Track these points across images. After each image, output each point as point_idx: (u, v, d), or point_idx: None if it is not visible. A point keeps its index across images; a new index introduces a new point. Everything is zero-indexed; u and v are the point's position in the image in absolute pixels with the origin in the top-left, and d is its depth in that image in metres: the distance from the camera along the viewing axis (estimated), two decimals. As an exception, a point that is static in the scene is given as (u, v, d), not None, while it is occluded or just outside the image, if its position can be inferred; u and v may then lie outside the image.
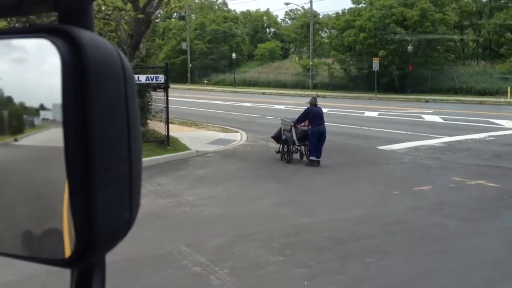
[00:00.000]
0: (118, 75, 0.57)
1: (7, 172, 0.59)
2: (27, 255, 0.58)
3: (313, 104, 12.67)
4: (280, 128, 13.25)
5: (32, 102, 0.57)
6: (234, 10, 73.02)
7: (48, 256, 0.58)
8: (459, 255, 6.68)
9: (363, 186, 10.49)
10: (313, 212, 8.57)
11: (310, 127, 12.42)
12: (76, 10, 0.60)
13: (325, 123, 12.56)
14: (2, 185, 0.59)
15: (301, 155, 12.89)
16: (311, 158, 12.43)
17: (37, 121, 0.57)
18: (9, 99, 0.56)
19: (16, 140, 0.58)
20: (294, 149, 12.84)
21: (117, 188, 0.57)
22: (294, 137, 12.60)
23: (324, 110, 25.73)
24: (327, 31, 62.96)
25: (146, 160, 12.72)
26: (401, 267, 6.26)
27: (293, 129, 12.60)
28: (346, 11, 49.28)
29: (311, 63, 48.95)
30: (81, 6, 0.61)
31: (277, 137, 13.25)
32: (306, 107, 12.86)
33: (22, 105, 0.57)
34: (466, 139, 16.67)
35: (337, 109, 25.41)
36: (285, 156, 12.86)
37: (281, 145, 13.04)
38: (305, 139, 12.56)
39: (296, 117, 13.01)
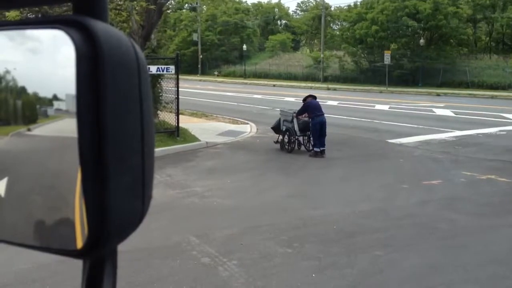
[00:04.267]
0: (132, 66, 0.57)
1: (20, 162, 0.59)
2: (39, 245, 0.59)
3: (312, 97, 13.19)
4: (279, 119, 13.54)
5: (45, 93, 0.57)
6: (246, 1, 72.74)
7: (60, 247, 0.58)
8: (469, 250, 6.65)
9: (373, 180, 10.46)
10: (322, 205, 8.57)
11: (311, 119, 12.71)
12: (90, 0, 0.60)
13: (324, 115, 12.92)
14: (16, 175, 0.59)
15: (299, 145, 13.30)
16: (315, 149, 12.66)
17: (50, 111, 0.57)
18: (23, 89, 0.57)
19: (29, 130, 0.58)
20: (294, 139, 13.13)
21: (129, 179, 0.57)
22: (296, 128, 12.95)
23: (334, 102, 26.06)
24: (339, 23, 62.65)
25: (156, 151, 12.47)
26: (409, 261, 6.25)
27: (294, 120, 12.94)
28: (358, 3, 48.96)
29: (322, 55, 48.72)
30: None
31: (277, 128, 13.60)
32: (304, 101, 13.25)
33: (35, 95, 0.57)
34: (478, 134, 16.56)
35: (347, 102, 25.33)
36: (286, 146, 13.17)
37: (281, 135, 13.36)
38: (306, 130, 12.98)
39: (296, 108, 13.47)
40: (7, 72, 0.57)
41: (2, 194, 0.59)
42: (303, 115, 12.95)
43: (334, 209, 8.35)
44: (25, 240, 0.59)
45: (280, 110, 14.15)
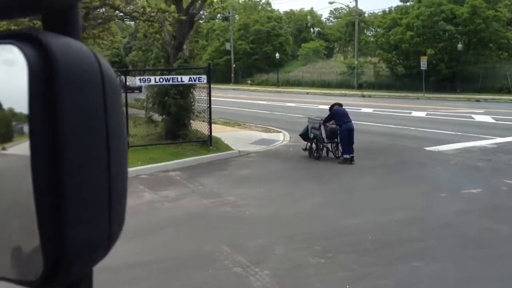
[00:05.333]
0: (95, 82, 0.53)
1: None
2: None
3: (338, 104, 13.22)
4: (307, 126, 13.57)
5: (22, 108, 0.52)
6: (278, 10, 72.98)
7: (16, 277, 0.53)
8: (510, 261, 6.36)
9: (409, 188, 10.19)
10: (357, 214, 8.37)
11: (339, 126, 12.73)
12: (60, 13, 0.57)
13: (352, 121, 12.95)
14: None
15: (327, 152, 13.28)
16: (345, 156, 12.58)
17: (26, 128, 0.52)
18: None
19: (4, 148, 0.53)
20: (322, 146, 13.12)
21: (92, 206, 0.53)
22: (324, 135, 12.96)
23: (369, 110, 25.70)
24: (373, 29, 62.07)
25: (188, 160, 12.84)
26: (449, 273, 6.01)
27: (322, 127, 12.95)
28: (393, 9, 48.37)
29: (356, 62, 48.30)
30: (64, 8, 0.57)
31: (305, 135, 13.64)
32: (331, 108, 13.30)
33: (11, 111, 0.52)
34: (519, 140, 15.99)
35: (382, 109, 24.95)
36: (314, 153, 13.22)
37: (309, 143, 13.40)
38: (333, 137, 12.98)
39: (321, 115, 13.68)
40: None
41: None
42: (330, 122, 12.96)
43: (369, 218, 8.15)
44: None
45: (308, 118, 14.20)
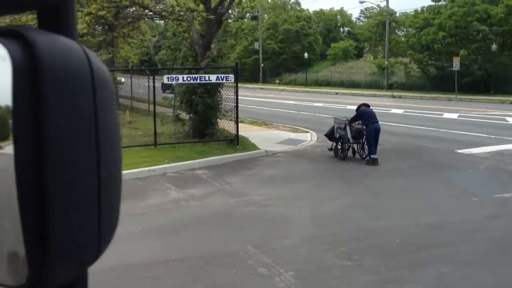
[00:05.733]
0: (84, 81, 0.52)
1: None
2: None
3: (365, 105, 13.14)
4: (333, 126, 13.51)
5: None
6: (307, 9, 72.67)
7: (6, 281, 0.52)
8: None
9: (439, 191, 9.97)
10: (384, 216, 8.22)
11: (365, 126, 12.64)
12: (55, 9, 0.55)
13: (379, 122, 12.89)
14: None
15: (354, 152, 13.18)
16: (372, 156, 12.48)
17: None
18: None
19: (0, 148, 0.51)
20: (348, 146, 13.03)
21: (79, 207, 0.51)
22: (349, 135, 12.86)
23: (400, 111, 25.35)
24: (404, 29, 61.22)
25: (215, 159, 12.85)
26: (479, 279, 5.84)
27: (347, 127, 12.86)
28: (424, 8, 47.58)
29: (386, 62, 47.70)
30: (59, 4, 0.56)
31: (330, 135, 13.60)
32: (358, 109, 13.21)
33: (7, 108, 0.50)
34: (555, 144, 15.51)
35: (413, 110, 24.56)
36: (339, 153, 13.15)
37: (335, 143, 13.34)
38: (359, 137, 12.88)
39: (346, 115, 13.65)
40: None
41: None
42: (356, 123, 12.88)
43: (397, 220, 8.00)
44: None
45: (334, 118, 14.15)
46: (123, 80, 28.45)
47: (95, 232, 0.53)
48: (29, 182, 0.49)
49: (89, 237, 0.53)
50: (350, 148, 13.18)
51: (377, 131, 12.56)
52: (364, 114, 12.82)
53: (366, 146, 12.87)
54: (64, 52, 0.51)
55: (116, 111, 0.57)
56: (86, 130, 0.52)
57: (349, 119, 13.08)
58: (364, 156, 12.90)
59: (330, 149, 13.57)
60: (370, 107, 13.21)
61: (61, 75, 0.50)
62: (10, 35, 0.51)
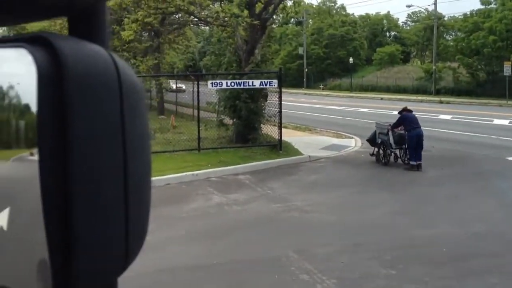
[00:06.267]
0: (111, 88, 0.51)
1: (22, 190, 0.52)
2: None
3: (408, 110, 13.02)
4: (375, 131, 13.43)
5: None
6: (353, 13, 71.91)
7: None
8: None
9: (489, 199, 9.65)
10: (430, 225, 8.02)
11: (407, 132, 12.50)
12: (86, 15, 0.55)
13: (421, 127, 12.75)
14: (17, 206, 0.52)
15: (396, 158, 13.07)
16: (412, 162, 12.35)
17: None
18: (27, 107, 0.49)
19: (32, 154, 0.50)
20: (390, 152, 12.94)
21: (105, 219, 0.50)
22: (391, 141, 12.75)
23: (448, 117, 24.71)
24: (453, 33, 59.79)
25: (258, 164, 12.87)
26: (530, 292, 5.61)
27: (390, 133, 12.75)
28: (474, 12, 46.34)
29: (434, 67, 46.67)
30: (89, 10, 0.56)
31: (372, 140, 13.53)
32: (400, 113, 13.12)
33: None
34: None
35: (462, 115, 23.91)
36: (381, 159, 13.08)
37: (376, 148, 13.26)
38: (401, 143, 12.73)
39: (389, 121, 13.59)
40: (11, 87, 0.50)
41: (5, 227, 0.51)
42: (399, 128, 12.73)
43: (444, 229, 7.79)
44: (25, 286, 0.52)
45: (376, 123, 14.09)
46: (184, 87, 29.11)
47: (122, 243, 0.52)
48: (53, 191, 0.48)
49: (115, 249, 0.52)
50: (392, 154, 13.05)
51: (419, 136, 12.41)
52: (406, 120, 12.70)
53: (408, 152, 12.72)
54: (91, 58, 0.50)
55: (146, 118, 0.56)
56: (112, 137, 0.51)
57: (391, 124, 12.96)
58: (406, 161, 12.74)
59: (372, 154, 13.48)
60: (413, 112, 13.04)
61: (86, 82, 0.49)
62: (36, 42, 0.50)
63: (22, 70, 0.49)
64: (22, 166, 0.51)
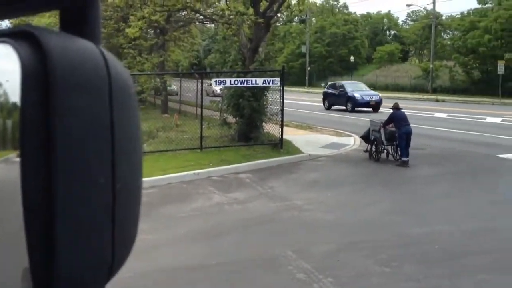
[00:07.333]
0: (100, 87, 0.49)
1: (8, 194, 0.47)
2: None
3: (397, 108, 13.33)
4: (369, 129, 13.81)
5: None
6: (355, 12, 71.92)
7: None
8: None
9: (481, 197, 9.83)
10: (424, 223, 8.21)
11: (397, 129, 12.88)
12: (77, 9, 0.53)
13: (411, 125, 13.13)
14: (3, 210, 0.48)
15: (388, 154, 13.43)
16: (403, 159, 12.69)
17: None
18: (15, 106, 0.46)
19: (19, 156, 0.47)
20: (382, 148, 13.37)
21: (90, 225, 0.48)
22: (383, 138, 13.15)
23: (443, 115, 24.87)
24: (450, 32, 59.80)
25: (259, 163, 13.03)
26: (520, 289, 5.80)
27: (381, 130, 13.13)
28: (471, 11, 46.41)
29: (431, 66, 46.75)
30: (82, 3, 0.54)
31: (366, 137, 13.96)
32: (391, 112, 13.53)
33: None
34: None
35: (456, 114, 24.03)
36: (374, 155, 13.50)
37: (369, 145, 13.67)
38: (392, 140, 13.12)
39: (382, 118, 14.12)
40: None
41: None
42: (390, 125, 13.11)
43: (437, 227, 7.96)
44: None
45: (370, 120, 14.51)
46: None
47: (108, 250, 0.49)
48: (34, 193, 0.45)
49: (101, 256, 0.49)
50: (384, 150, 13.42)
51: (408, 134, 12.79)
52: (396, 117, 13.08)
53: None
54: (79, 54, 0.48)
55: (137, 118, 0.53)
56: (100, 138, 0.48)
57: (383, 122, 13.33)
58: (397, 158, 13.06)
59: (365, 151, 13.87)
60: (402, 110, 13.42)
61: (73, 80, 0.47)
62: (21, 36, 0.48)
63: (10, 67, 0.46)
64: (8, 168, 0.47)
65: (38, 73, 0.46)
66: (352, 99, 28.19)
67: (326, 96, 30.72)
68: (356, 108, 27.57)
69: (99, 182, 0.48)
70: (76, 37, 0.50)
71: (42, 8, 0.56)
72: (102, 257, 0.49)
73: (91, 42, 0.50)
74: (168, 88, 27.13)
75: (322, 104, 30.63)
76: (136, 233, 0.53)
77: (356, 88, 29.57)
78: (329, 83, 34.81)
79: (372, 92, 30.47)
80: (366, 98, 28.13)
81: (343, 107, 28.50)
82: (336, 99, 29.35)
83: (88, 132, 0.47)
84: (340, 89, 29.56)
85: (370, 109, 27.05)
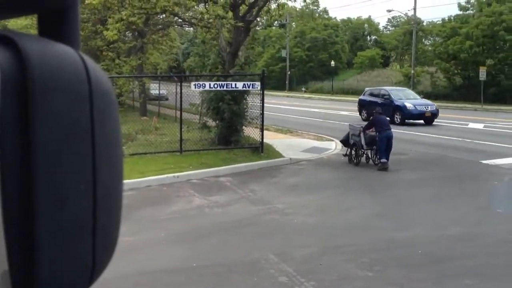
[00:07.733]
0: (79, 92, 0.48)
1: None
2: None
3: (379, 112, 13.50)
4: (348, 133, 13.86)
5: None
6: (335, 17, 72.51)
7: None
8: None
9: (463, 202, 9.87)
10: (407, 227, 8.19)
11: (378, 133, 12.97)
12: (56, 14, 0.53)
13: (391, 130, 13.25)
14: None
15: (367, 159, 13.50)
16: (382, 160, 12.79)
17: None
18: None
19: None
20: (361, 152, 13.46)
21: (70, 231, 0.47)
22: (363, 142, 13.22)
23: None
24: (431, 38, 60.63)
25: (239, 166, 12.94)
26: (502, 293, 5.78)
27: (361, 134, 13.20)
28: (452, 18, 47.11)
29: (412, 71, 47.28)
30: (59, 9, 0.53)
31: (345, 141, 14.04)
32: (371, 117, 13.69)
33: None
34: None
35: (438, 119, 24.25)
36: (353, 159, 13.58)
37: (349, 149, 13.75)
38: (372, 144, 13.21)
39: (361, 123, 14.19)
40: None
41: None
42: (370, 130, 13.22)
43: (420, 231, 7.95)
44: None
45: (349, 124, 14.56)
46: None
47: (89, 255, 0.49)
48: (14, 199, 0.44)
49: (81, 261, 0.48)
50: (364, 155, 13.49)
51: (389, 138, 12.87)
52: (377, 122, 13.18)
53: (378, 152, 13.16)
54: (58, 59, 0.48)
55: (118, 123, 0.53)
56: (80, 143, 0.48)
57: (363, 126, 13.41)
58: (377, 162, 13.11)
59: (345, 155, 13.93)
60: (384, 115, 13.52)
61: (52, 85, 0.46)
62: (0, 42, 0.47)
63: None
64: None
65: (16, 78, 0.45)
66: (401, 109, 23.64)
67: (363, 105, 25.77)
68: (406, 120, 23.34)
69: (80, 188, 0.48)
70: (55, 42, 0.49)
71: (20, 12, 0.56)
72: (83, 261, 0.49)
73: (70, 47, 0.50)
74: (154, 92, 26.81)
75: (303, 109, 30.56)
76: (118, 237, 0.53)
77: (406, 96, 25.25)
78: (366, 89, 29.08)
79: (427, 101, 25.70)
80: (419, 108, 23.67)
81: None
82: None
83: (68, 137, 0.47)
84: (385, 97, 24.97)
85: (422, 121, 23.54)
